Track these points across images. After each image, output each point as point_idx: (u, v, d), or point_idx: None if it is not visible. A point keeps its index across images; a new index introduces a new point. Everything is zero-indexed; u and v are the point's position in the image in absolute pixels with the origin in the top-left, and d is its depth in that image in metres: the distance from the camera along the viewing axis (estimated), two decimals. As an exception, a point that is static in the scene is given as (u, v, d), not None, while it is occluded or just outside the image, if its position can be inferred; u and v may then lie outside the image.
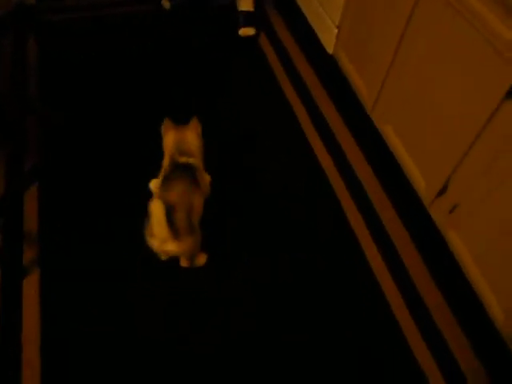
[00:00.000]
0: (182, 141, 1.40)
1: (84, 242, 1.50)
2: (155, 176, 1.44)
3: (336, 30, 1.92)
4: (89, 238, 1.51)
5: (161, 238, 1.23)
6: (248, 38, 2.21)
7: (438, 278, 1.50)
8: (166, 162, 1.39)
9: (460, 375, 1.31)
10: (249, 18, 2.21)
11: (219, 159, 1.73)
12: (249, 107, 1.94)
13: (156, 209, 1.19)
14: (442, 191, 1.41)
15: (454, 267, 1.43)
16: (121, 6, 2.29)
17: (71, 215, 1.56)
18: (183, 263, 1.42)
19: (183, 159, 1.35)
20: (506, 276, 1.22)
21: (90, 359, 1.28)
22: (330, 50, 2.02)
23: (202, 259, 1.45)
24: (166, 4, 2.27)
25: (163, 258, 1.40)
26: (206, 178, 1.51)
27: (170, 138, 1.40)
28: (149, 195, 1.57)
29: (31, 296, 1.37)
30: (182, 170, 1.33)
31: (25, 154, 1.69)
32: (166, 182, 1.31)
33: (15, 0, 1.41)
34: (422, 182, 1.50)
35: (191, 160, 1.36)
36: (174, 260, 1.42)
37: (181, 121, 1.44)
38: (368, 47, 1.69)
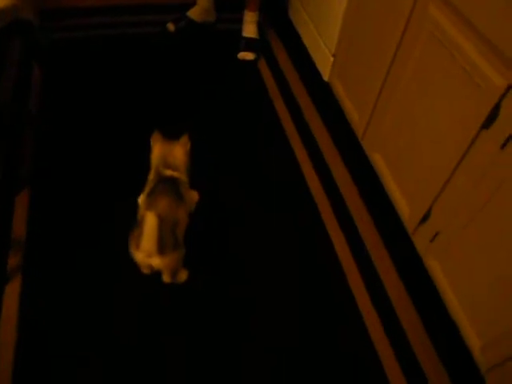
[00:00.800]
0: (168, 154, 1.41)
1: (71, 251, 1.51)
2: (143, 188, 1.47)
3: (332, 59, 1.97)
4: (76, 245, 1.53)
5: (147, 251, 1.24)
6: (247, 62, 2.28)
7: (418, 304, 1.49)
8: (151, 175, 1.42)
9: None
10: (250, 44, 2.28)
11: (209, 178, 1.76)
12: (242, 127, 1.98)
13: (149, 221, 1.19)
14: (425, 218, 1.42)
15: (434, 295, 1.43)
16: (127, 27, 2.37)
17: (60, 222, 1.58)
18: (166, 279, 1.42)
19: (168, 172, 1.37)
20: (483, 307, 1.21)
21: (70, 368, 1.28)
22: (325, 77, 2.07)
23: (183, 275, 1.46)
24: (171, 27, 2.35)
25: (145, 271, 1.41)
26: (193, 194, 1.53)
27: (156, 151, 1.43)
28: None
29: (11, 304, 1.39)
30: (166, 184, 1.35)
31: (19, 160, 1.73)
32: (152, 196, 1.33)
33: (11, 14, 1.47)
34: (406, 208, 1.52)
35: (176, 174, 1.38)
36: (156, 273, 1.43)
37: (173, 137, 1.47)
38: (360, 77, 1.74)
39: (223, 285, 1.48)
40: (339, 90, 1.94)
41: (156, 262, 1.27)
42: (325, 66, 2.05)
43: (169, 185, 1.35)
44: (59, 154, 1.78)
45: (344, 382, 1.31)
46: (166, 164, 1.39)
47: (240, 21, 2.33)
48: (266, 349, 1.35)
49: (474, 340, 1.26)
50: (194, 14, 2.38)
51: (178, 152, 1.43)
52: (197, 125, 1.94)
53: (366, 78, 1.68)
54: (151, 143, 1.45)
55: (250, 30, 2.30)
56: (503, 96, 1.06)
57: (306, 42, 2.28)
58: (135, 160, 1.76)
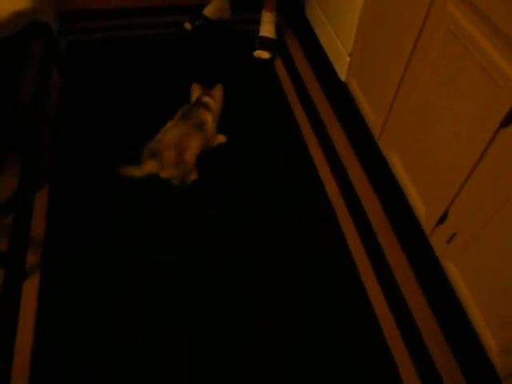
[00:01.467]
0: (206, 93, 1.78)
1: (89, 249, 1.54)
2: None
3: (348, 58, 1.96)
4: (94, 244, 1.55)
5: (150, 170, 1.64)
6: (263, 60, 2.28)
7: (435, 307, 1.47)
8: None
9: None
10: (266, 43, 2.28)
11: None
12: (258, 126, 1.98)
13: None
14: (442, 219, 1.39)
15: (451, 297, 1.40)
16: (143, 29, 2.40)
17: (79, 221, 1.61)
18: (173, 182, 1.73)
19: (205, 99, 1.75)
20: (502, 311, 1.19)
21: (83, 369, 1.29)
22: (342, 77, 2.05)
23: (192, 177, 1.75)
24: (188, 26, 2.37)
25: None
26: (219, 137, 1.85)
27: (196, 90, 1.80)
28: (151, 203, 1.61)
29: (29, 300, 1.41)
30: (194, 108, 1.72)
31: (38, 160, 1.77)
32: (175, 120, 1.70)
33: (31, 17, 1.50)
34: (423, 209, 1.49)
35: (210, 101, 1.75)
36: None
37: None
38: (376, 76, 1.72)
39: (230, 285, 1.48)
40: (356, 89, 1.92)
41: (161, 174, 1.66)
42: (341, 66, 2.04)
43: (196, 110, 1.71)
44: (77, 154, 1.81)
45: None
46: (204, 96, 1.76)
47: (258, 21, 2.33)
48: (271, 350, 1.35)
49: (491, 344, 1.23)
50: (209, 12, 2.40)
51: (215, 93, 1.80)
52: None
53: (382, 78, 1.66)
54: (192, 90, 1.80)
55: (267, 29, 2.31)
56: (522, 94, 1.04)
57: (323, 41, 2.27)
58: None
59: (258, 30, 2.33)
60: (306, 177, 1.81)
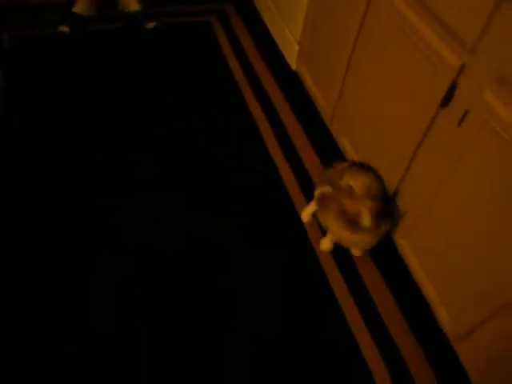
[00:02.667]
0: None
1: (58, 239, 1.50)
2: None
3: (297, 47, 1.99)
4: (63, 234, 1.53)
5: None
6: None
7: (390, 283, 1.53)
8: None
9: (407, 374, 1.35)
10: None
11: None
12: (211, 120, 1.98)
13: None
14: (392, 199, 1.45)
15: (405, 273, 1.47)
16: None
17: (33, 220, 1.57)
18: None
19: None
20: (449, 280, 1.26)
21: (54, 359, 1.28)
22: (293, 65, 2.09)
23: None
24: (65, 29, 2.23)
25: None
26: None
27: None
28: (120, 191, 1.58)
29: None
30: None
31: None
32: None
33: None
34: (374, 190, 1.55)
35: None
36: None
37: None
38: (325, 63, 1.76)
39: (204, 272, 1.49)
40: (306, 77, 1.96)
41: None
42: (291, 55, 2.07)
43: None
44: (24, 152, 1.76)
45: (324, 368, 1.34)
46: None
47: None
48: (247, 337, 1.37)
49: (442, 313, 1.30)
50: (80, 9, 2.26)
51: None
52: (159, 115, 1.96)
53: (330, 65, 1.70)
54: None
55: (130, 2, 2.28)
56: (458, 74, 1.10)
57: (272, 30, 2.29)
58: (94, 159, 1.77)
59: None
60: (260, 164, 1.83)
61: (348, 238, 1.42)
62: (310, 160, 1.87)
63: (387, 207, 1.41)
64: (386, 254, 1.58)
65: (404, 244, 1.44)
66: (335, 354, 1.36)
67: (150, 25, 2.32)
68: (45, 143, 1.80)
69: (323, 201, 1.43)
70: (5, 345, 1.30)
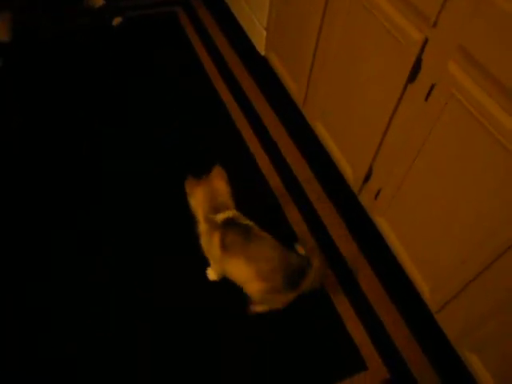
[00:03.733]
0: (212, 195, 1.28)
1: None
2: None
3: (265, 33, 1.98)
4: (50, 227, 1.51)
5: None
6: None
7: (372, 261, 1.56)
8: (201, 225, 1.32)
9: (394, 348, 1.38)
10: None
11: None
12: (187, 115, 1.97)
13: None
14: (367, 177, 1.47)
15: (385, 248, 1.49)
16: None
17: (17, 217, 1.55)
18: None
19: (220, 216, 1.26)
20: (426, 252, 1.28)
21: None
22: (261, 51, 2.08)
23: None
24: None
25: None
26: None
27: (199, 196, 1.29)
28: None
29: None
30: (236, 229, 1.26)
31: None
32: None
33: None
34: (349, 170, 1.57)
35: (229, 213, 1.27)
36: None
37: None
38: (293, 48, 1.75)
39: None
40: (275, 62, 1.95)
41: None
42: (259, 41, 2.06)
43: (238, 229, 1.25)
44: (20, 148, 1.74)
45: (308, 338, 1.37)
46: (213, 207, 1.27)
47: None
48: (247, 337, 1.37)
49: (423, 286, 1.33)
50: None
51: (220, 187, 1.30)
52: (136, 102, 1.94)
53: (298, 49, 1.70)
54: (187, 191, 1.33)
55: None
56: (422, 49, 1.11)
57: (239, 16, 2.27)
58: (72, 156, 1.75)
59: None
60: (238, 153, 1.83)
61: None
62: (286, 145, 1.88)
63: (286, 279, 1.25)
64: (365, 232, 1.60)
65: (382, 221, 1.46)
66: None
67: (117, 20, 2.28)
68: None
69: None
70: (5, 345, 1.29)
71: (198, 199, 1.30)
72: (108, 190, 1.67)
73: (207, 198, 1.28)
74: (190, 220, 1.36)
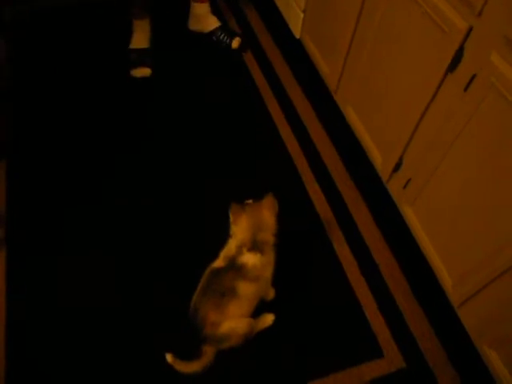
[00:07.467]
0: (257, 228, 1.20)
1: (51, 222, 1.53)
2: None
3: (302, 15, 1.95)
4: (55, 217, 1.55)
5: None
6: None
7: (396, 249, 1.56)
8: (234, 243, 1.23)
9: (411, 338, 1.39)
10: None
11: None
12: (219, 96, 1.98)
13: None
14: (397, 167, 1.46)
15: (409, 239, 1.48)
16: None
17: (39, 195, 1.59)
18: None
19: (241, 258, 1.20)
20: (453, 247, 1.27)
21: (56, 341, 1.32)
22: (297, 34, 2.06)
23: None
24: (138, 73, 2.00)
25: None
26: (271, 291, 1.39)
27: (244, 224, 1.21)
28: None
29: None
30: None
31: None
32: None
33: None
34: (379, 158, 1.55)
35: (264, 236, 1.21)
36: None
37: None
38: (330, 31, 1.73)
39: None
40: (310, 46, 1.93)
41: None
42: (296, 23, 2.03)
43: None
44: (35, 128, 1.77)
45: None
46: (252, 242, 1.20)
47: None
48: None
49: (446, 279, 1.32)
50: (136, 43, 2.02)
51: (270, 221, 1.22)
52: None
53: (335, 32, 1.68)
54: (231, 216, 1.22)
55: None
56: (466, 38, 1.09)
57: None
58: (107, 131, 1.79)
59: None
60: (268, 137, 1.84)
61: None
62: (315, 130, 1.87)
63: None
64: (391, 221, 1.59)
65: (409, 212, 1.45)
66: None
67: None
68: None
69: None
70: (6, 344, 1.31)
71: (242, 228, 1.21)
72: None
73: (251, 230, 1.20)
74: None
